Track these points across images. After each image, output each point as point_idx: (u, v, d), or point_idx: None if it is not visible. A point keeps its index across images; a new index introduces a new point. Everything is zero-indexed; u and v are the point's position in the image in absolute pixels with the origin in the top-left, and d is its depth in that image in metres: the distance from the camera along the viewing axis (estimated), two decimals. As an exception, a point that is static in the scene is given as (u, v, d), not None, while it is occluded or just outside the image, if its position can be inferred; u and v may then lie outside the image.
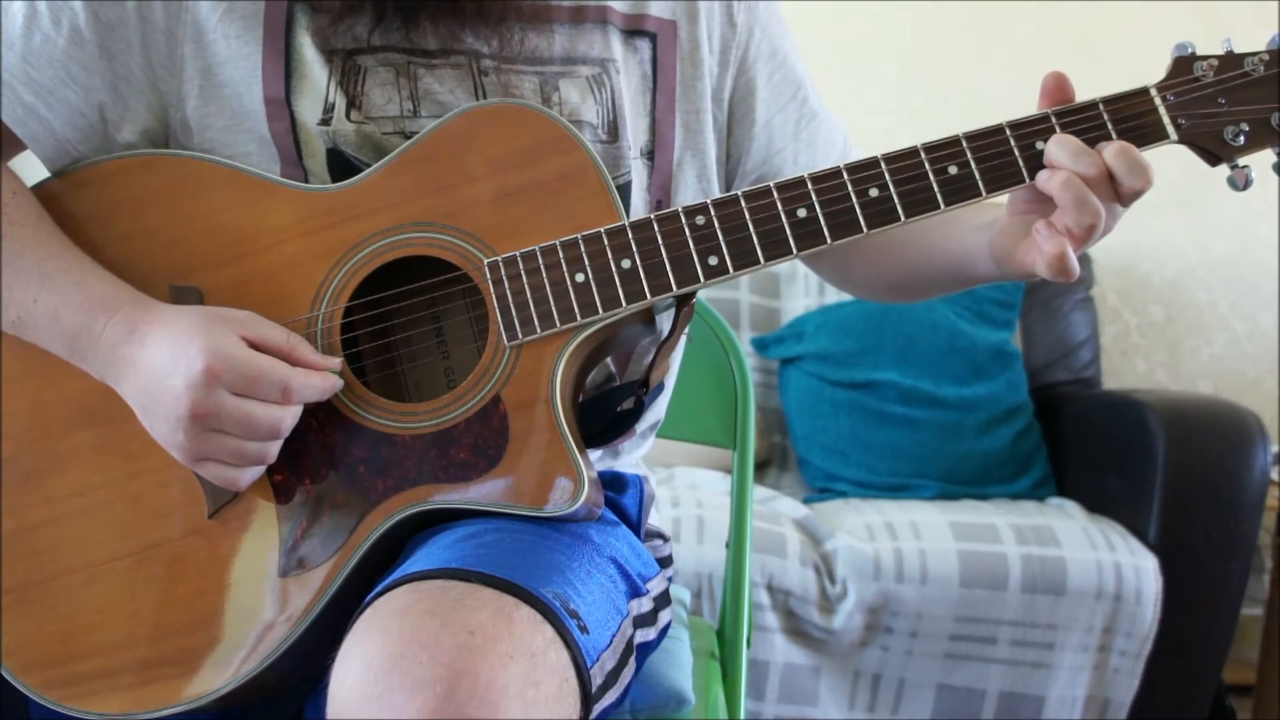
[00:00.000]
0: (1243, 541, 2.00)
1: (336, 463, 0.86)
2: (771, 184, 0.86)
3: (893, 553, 1.93)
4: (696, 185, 1.02)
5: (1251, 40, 0.88)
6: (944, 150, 0.86)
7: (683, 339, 1.08)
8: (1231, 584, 2.01)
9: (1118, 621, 1.93)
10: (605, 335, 0.89)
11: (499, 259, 0.87)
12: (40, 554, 0.89)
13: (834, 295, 2.44)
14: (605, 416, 0.96)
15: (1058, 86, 0.86)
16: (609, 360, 0.99)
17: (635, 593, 0.90)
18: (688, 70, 1.01)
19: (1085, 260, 2.60)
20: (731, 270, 0.86)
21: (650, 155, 1.00)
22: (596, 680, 0.75)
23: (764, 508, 2.04)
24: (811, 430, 2.34)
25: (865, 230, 0.86)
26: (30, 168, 0.93)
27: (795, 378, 2.38)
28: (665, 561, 1.10)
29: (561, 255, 0.86)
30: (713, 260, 0.86)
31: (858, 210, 0.86)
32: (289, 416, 0.83)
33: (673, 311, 0.94)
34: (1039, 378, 2.47)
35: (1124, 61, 2.56)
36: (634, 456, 1.09)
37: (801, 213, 0.86)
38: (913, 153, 0.86)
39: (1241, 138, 0.85)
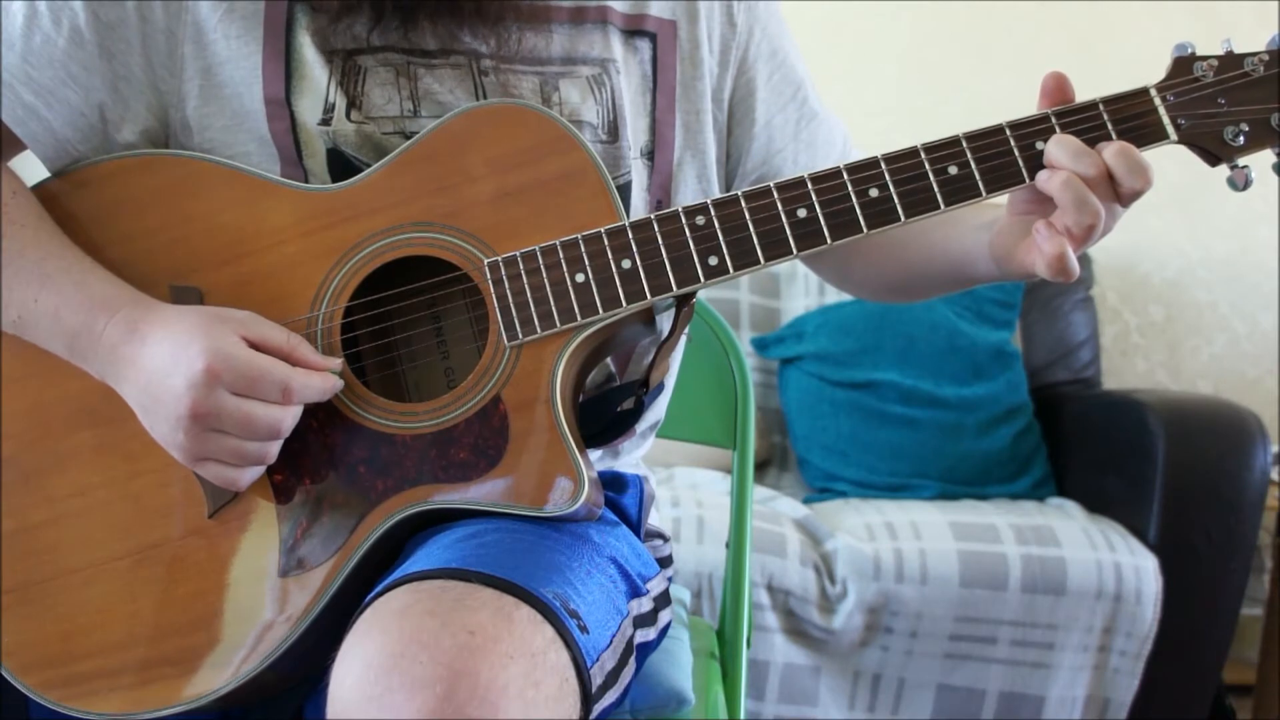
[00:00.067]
0: (1243, 541, 2.00)
1: (336, 463, 0.86)
2: (771, 184, 0.86)
3: (893, 553, 1.93)
4: (696, 185, 1.02)
5: (1251, 40, 0.88)
6: (944, 150, 0.86)
7: (683, 339, 1.08)
8: (1231, 584, 2.01)
9: (1118, 621, 1.93)
10: (605, 335, 0.89)
11: (499, 259, 0.87)
12: (40, 554, 0.89)
13: (834, 295, 2.44)
14: (605, 416, 0.96)
15: (1058, 86, 0.86)
16: (609, 360, 0.99)
17: (635, 593, 0.90)
18: (688, 70, 1.01)
19: (1085, 260, 2.60)
20: (731, 270, 0.86)
21: (650, 155, 1.00)
22: (596, 680, 0.75)
23: (764, 508, 2.04)
24: (811, 430, 2.34)
25: (865, 230, 0.86)
26: (30, 168, 0.93)
27: (795, 378, 2.38)
28: (665, 561, 1.10)
29: (562, 255, 0.86)
30: (713, 260, 0.86)
31: (858, 210, 0.86)
32: (289, 417, 0.83)
33: (673, 311, 0.94)
34: (1039, 378, 2.47)
35: (1124, 61, 2.56)
36: (634, 456, 1.09)
37: (801, 213, 0.86)
38: (913, 153, 0.86)
39: (1241, 138, 0.85)
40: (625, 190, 0.97)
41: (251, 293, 0.89)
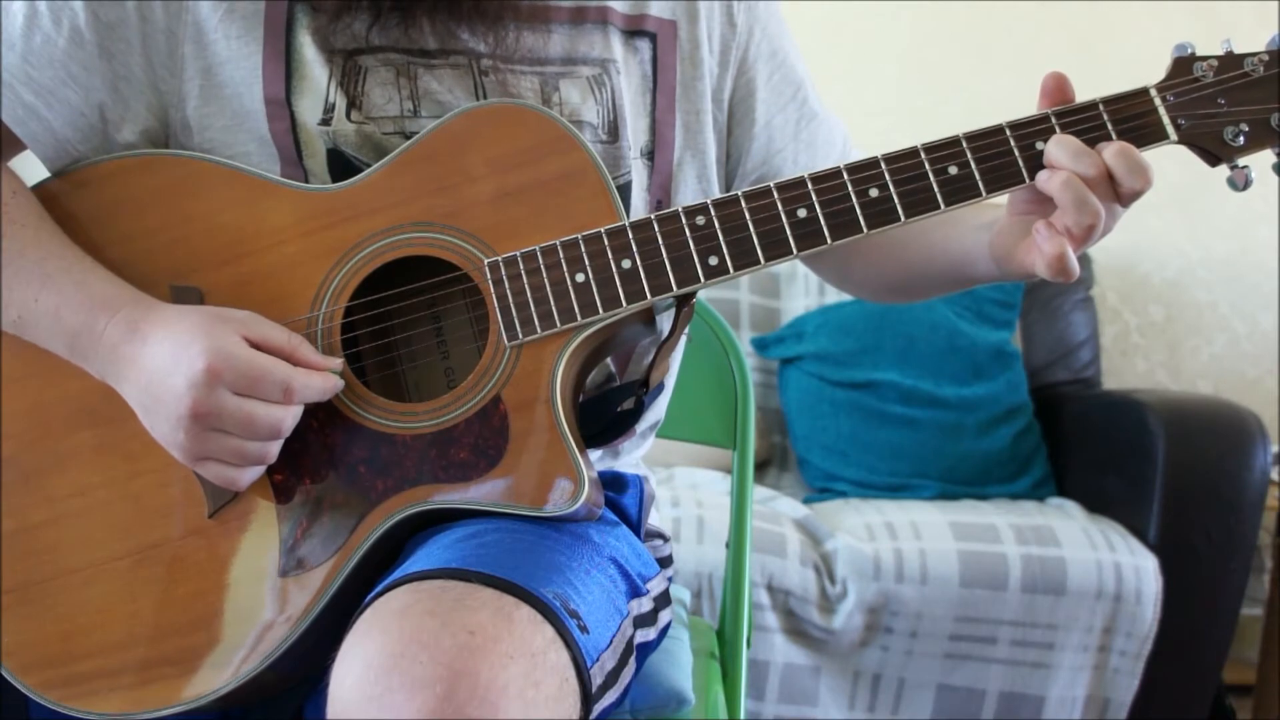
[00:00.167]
0: (1243, 541, 2.00)
1: (336, 463, 0.86)
2: (771, 184, 0.86)
3: (893, 553, 1.93)
4: (696, 185, 1.02)
5: (1251, 40, 0.88)
6: (944, 150, 0.86)
7: (683, 339, 1.08)
8: (1231, 584, 2.01)
9: (1118, 621, 1.93)
10: (605, 335, 0.89)
11: (499, 259, 0.87)
12: (40, 554, 0.89)
13: (834, 295, 2.44)
14: (605, 416, 0.96)
15: (1058, 87, 0.86)
16: (609, 360, 0.99)
17: (635, 593, 0.90)
18: (688, 70, 1.01)
19: (1085, 260, 2.60)
20: (732, 270, 0.86)
21: (650, 155, 1.00)
22: (596, 680, 0.75)
23: (764, 508, 2.04)
24: (811, 430, 2.34)
25: (865, 230, 0.86)
26: (30, 168, 0.93)
27: (795, 378, 2.38)
28: (665, 561, 1.10)
29: (562, 255, 0.86)
30: (713, 260, 0.86)
31: (858, 210, 0.86)
32: (290, 416, 0.83)
33: (673, 311, 0.94)
34: (1039, 378, 2.47)
35: (1124, 61, 2.56)
36: (634, 456, 1.09)
37: (801, 213, 0.86)
38: (913, 153, 0.86)
39: (1241, 138, 0.85)
40: (625, 190, 0.97)
41: (251, 293, 0.89)
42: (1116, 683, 1.97)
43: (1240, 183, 0.86)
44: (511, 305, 0.86)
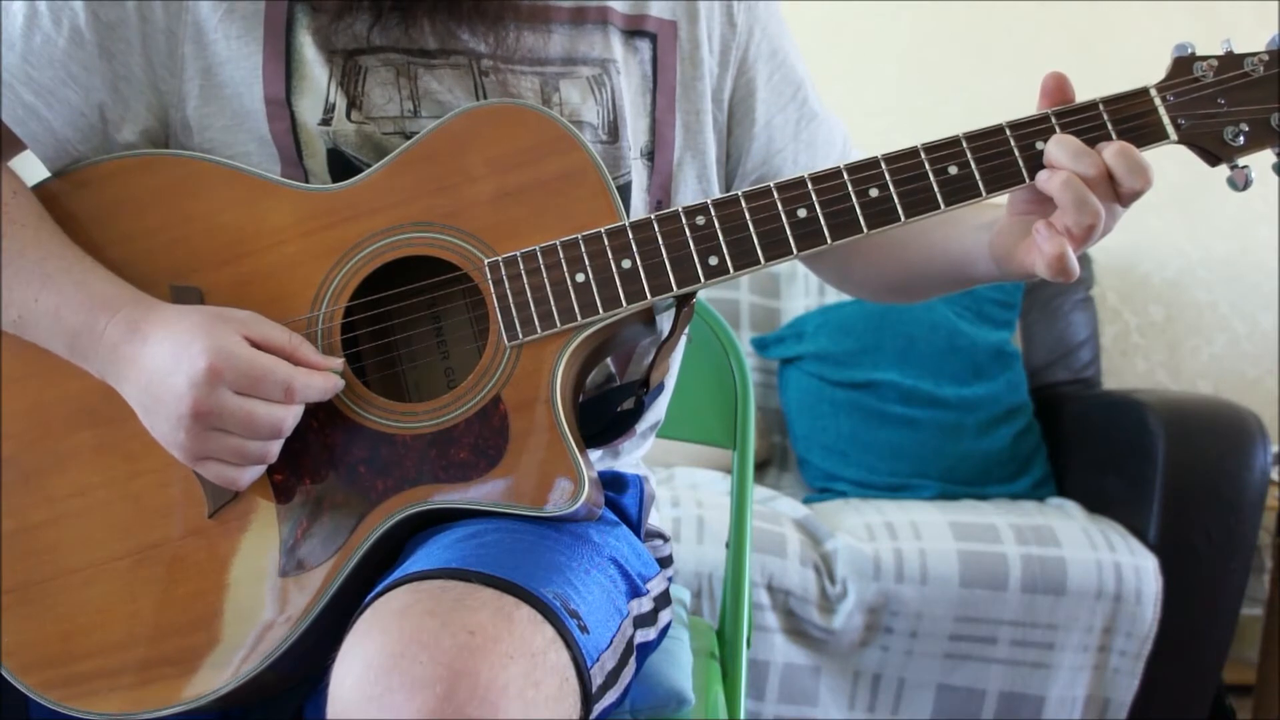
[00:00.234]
0: (1243, 541, 2.00)
1: (337, 463, 0.86)
2: (771, 184, 0.86)
3: (893, 553, 1.93)
4: (696, 185, 1.02)
5: (1251, 40, 0.88)
6: (944, 150, 0.86)
7: (683, 339, 1.08)
8: (1231, 584, 2.01)
9: (1118, 621, 1.93)
10: (605, 335, 0.89)
11: (499, 259, 0.87)
12: (40, 554, 0.89)
13: (834, 295, 2.44)
14: (605, 416, 0.96)
15: (1058, 86, 0.86)
16: (609, 360, 0.99)
17: (635, 593, 0.90)
18: (688, 70, 1.01)
19: (1085, 260, 2.60)
20: (732, 270, 0.86)
21: (650, 155, 1.00)
22: (597, 680, 0.75)
23: (764, 508, 2.04)
24: (811, 430, 2.34)
25: (865, 230, 0.86)
26: (30, 168, 0.93)
27: (795, 378, 2.38)
28: (665, 561, 1.10)
29: (562, 255, 0.86)
30: (713, 260, 0.86)
31: (858, 210, 0.86)
32: (291, 416, 0.83)
33: (673, 311, 0.95)
34: (1039, 378, 2.47)
35: (1124, 61, 2.56)
36: (634, 456, 1.09)
37: (801, 213, 0.86)
38: (913, 153, 0.86)
39: (1241, 138, 0.85)
40: (625, 190, 0.97)
41: (252, 293, 0.89)
42: (1116, 683, 1.97)
43: (1240, 183, 0.86)
44: (511, 305, 0.86)
